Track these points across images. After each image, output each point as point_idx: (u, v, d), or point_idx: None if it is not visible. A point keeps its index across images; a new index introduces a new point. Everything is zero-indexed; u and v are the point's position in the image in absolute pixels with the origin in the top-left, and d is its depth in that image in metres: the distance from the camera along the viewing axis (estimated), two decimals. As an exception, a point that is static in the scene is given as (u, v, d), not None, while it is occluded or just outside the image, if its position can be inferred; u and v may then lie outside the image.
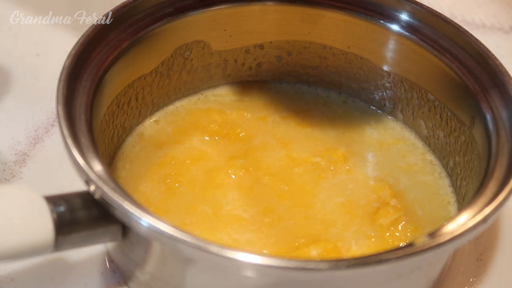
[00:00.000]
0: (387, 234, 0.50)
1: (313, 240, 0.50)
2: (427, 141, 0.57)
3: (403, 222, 0.51)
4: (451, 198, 0.53)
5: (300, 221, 0.51)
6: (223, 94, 0.60)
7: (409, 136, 0.58)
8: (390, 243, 0.50)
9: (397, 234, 0.51)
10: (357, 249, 0.49)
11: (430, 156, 0.56)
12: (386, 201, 0.53)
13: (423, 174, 0.55)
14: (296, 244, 0.49)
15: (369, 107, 0.60)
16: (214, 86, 0.60)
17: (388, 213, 0.51)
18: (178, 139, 0.56)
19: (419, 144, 0.57)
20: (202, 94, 0.59)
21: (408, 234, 0.51)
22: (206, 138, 0.56)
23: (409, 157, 0.56)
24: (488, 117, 0.50)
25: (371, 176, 0.55)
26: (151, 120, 0.57)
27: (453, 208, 0.53)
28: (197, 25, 0.55)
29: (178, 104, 0.58)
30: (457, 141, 0.54)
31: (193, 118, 0.57)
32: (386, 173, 0.55)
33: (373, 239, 0.50)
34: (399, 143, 0.57)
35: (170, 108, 0.58)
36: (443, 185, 0.54)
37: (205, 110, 0.58)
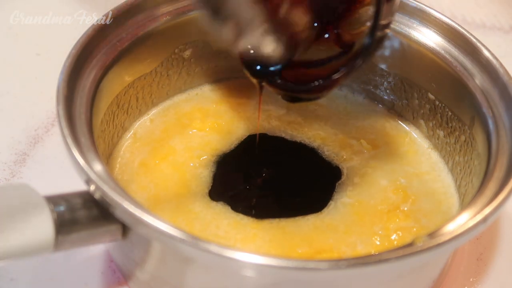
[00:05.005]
0: (393, 237, 0.50)
1: (313, 241, 0.50)
2: (427, 141, 0.57)
3: (408, 222, 0.51)
4: (451, 198, 0.53)
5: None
6: (222, 88, 0.59)
7: (409, 136, 0.58)
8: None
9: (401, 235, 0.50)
10: (361, 249, 0.49)
11: (433, 155, 0.56)
12: (390, 203, 0.52)
13: (427, 174, 0.55)
14: (299, 250, 0.49)
15: (369, 106, 0.59)
16: (213, 82, 0.60)
17: (397, 216, 0.51)
18: (165, 136, 0.55)
19: (420, 143, 0.57)
20: (201, 90, 0.59)
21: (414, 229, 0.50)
22: (204, 133, 0.56)
23: (408, 156, 0.56)
24: (488, 117, 0.50)
25: (371, 176, 0.54)
26: (147, 118, 0.57)
27: (453, 208, 0.53)
28: (197, 24, 0.55)
29: (176, 99, 0.58)
30: (457, 141, 0.54)
31: (188, 115, 0.57)
32: (386, 173, 0.55)
33: (378, 242, 0.50)
34: (399, 143, 0.57)
35: (168, 103, 0.58)
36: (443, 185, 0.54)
37: (202, 106, 0.58)
